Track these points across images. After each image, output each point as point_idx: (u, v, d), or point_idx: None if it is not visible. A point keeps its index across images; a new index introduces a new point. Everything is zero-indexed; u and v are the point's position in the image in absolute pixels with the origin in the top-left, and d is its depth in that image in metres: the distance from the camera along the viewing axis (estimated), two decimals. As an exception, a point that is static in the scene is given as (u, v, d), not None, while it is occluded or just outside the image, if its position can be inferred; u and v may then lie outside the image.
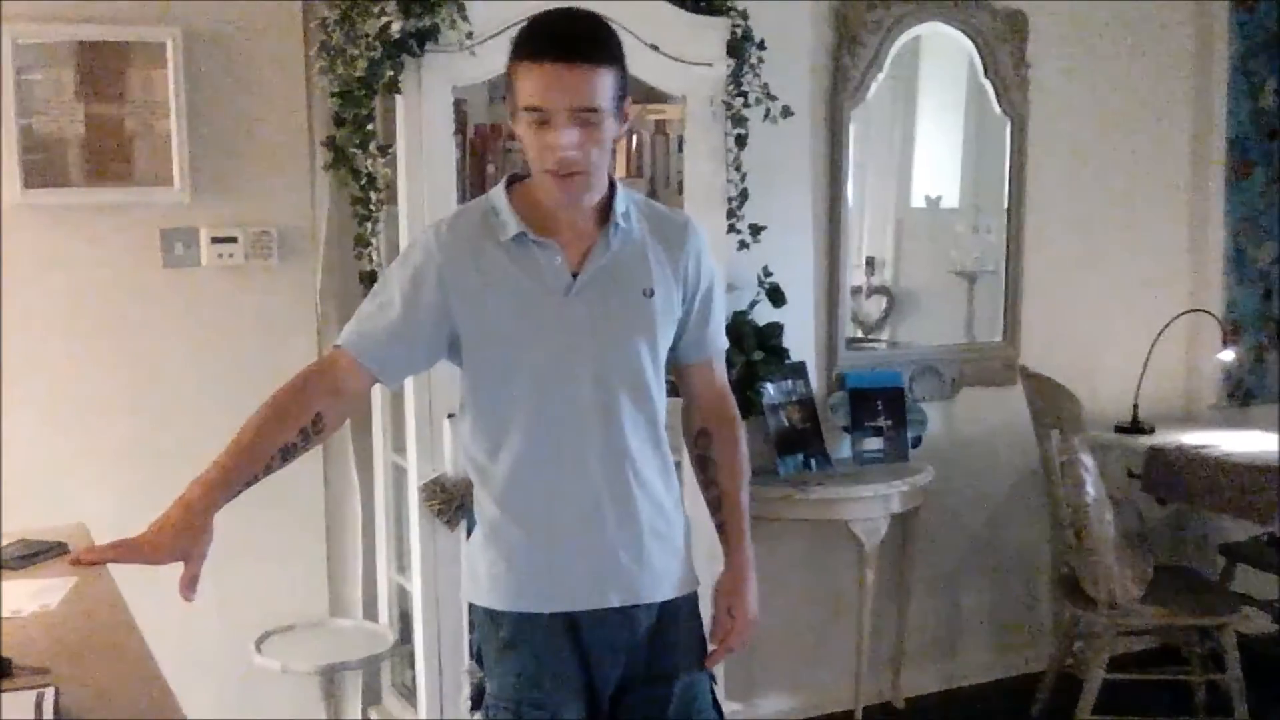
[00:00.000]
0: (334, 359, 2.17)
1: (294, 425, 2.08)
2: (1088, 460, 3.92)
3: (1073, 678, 4.20)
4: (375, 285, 2.27)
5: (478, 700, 3.27)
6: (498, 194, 2.19)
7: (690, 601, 2.32)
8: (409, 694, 3.57)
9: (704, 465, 2.38)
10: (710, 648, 2.35)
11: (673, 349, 2.31)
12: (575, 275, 2.15)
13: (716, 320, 2.35)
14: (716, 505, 2.36)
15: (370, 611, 3.72)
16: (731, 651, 2.35)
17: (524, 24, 2.10)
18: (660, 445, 2.26)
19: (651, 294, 2.19)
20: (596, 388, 2.16)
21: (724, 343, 2.40)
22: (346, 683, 3.62)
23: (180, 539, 1.96)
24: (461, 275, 2.14)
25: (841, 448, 4.21)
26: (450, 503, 3.27)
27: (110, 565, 2.08)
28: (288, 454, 2.08)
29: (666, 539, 2.26)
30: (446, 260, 2.14)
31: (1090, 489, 3.90)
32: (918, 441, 4.26)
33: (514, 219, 2.14)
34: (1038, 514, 4.54)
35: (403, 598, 3.62)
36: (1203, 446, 4.28)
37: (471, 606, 2.32)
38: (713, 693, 2.36)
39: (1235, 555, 4.52)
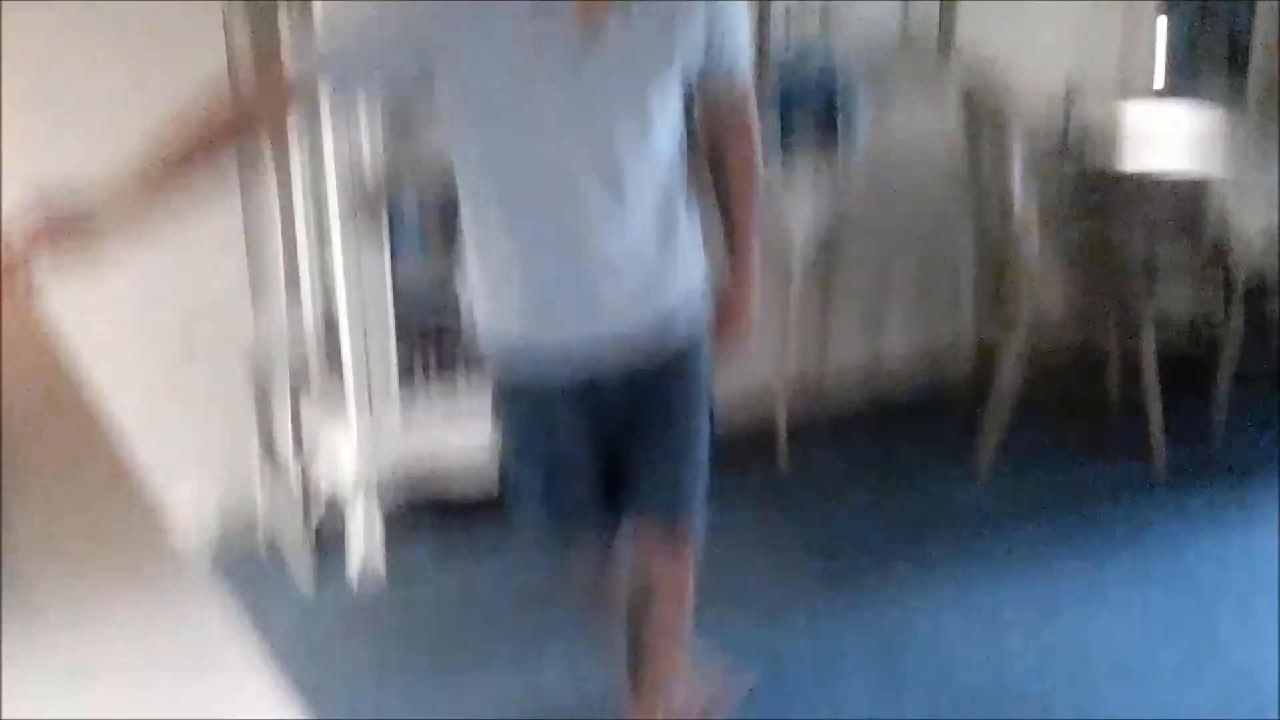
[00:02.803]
0: (295, 78, 2.08)
1: (231, 150, 2.03)
2: (1018, 168, 3.91)
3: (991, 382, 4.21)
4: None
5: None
6: None
7: (694, 344, 2.34)
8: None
9: (715, 171, 2.41)
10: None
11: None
12: (584, 40, 2.03)
13: (738, 47, 2.26)
14: (724, 210, 2.42)
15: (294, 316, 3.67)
16: (731, 349, 2.42)
17: None
18: (673, 203, 2.21)
19: (669, 59, 2.10)
20: (598, 160, 2.09)
21: (745, 64, 2.31)
22: (275, 375, 3.63)
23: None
24: (457, 29, 2.01)
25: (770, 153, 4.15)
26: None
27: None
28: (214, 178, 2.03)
29: (666, 291, 2.26)
30: (446, 5, 2.03)
31: (1017, 199, 3.91)
32: (849, 146, 4.18)
33: None
34: (964, 229, 4.50)
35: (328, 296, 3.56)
36: (1136, 173, 4.29)
37: None
38: (711, 410, 2.40)
39: (1157, 272, 4.57)
